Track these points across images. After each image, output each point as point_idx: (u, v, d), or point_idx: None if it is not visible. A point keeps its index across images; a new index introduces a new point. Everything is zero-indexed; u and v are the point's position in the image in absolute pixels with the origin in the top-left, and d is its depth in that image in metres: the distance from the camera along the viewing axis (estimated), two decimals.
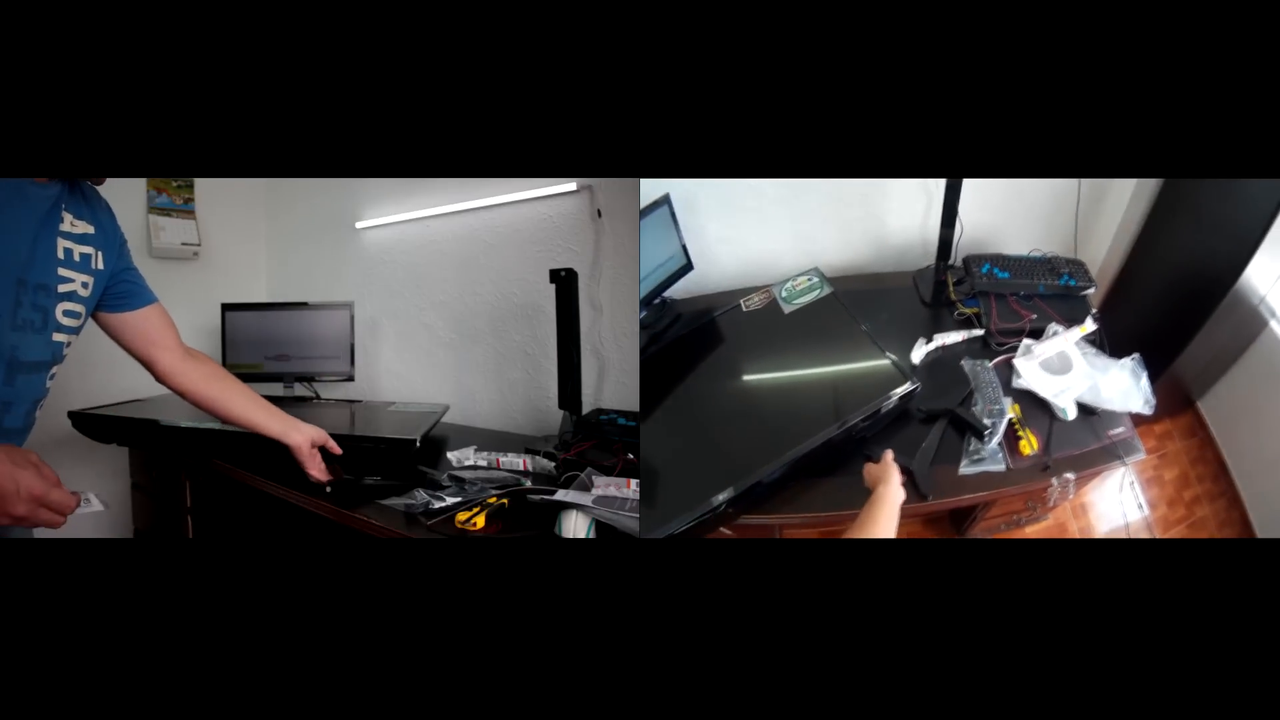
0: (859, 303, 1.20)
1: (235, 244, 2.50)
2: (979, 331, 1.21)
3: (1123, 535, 1.38)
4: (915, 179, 1.35)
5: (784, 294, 1.29)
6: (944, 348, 1.20)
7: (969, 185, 1.21)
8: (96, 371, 2.03)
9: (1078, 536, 1.49)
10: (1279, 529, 1.43)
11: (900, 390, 1.03)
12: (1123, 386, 1.07)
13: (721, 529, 1.19)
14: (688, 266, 1.52)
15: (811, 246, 1.46)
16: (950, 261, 1.32)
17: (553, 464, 1.36)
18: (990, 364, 1.14)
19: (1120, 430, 1.05)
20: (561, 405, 1.62)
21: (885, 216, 1.47)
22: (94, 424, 1.63)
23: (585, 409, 1.63)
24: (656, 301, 1.50)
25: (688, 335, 1.36)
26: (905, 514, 0.97)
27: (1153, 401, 1.06)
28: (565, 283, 1.57)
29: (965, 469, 1.02)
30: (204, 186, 2.35)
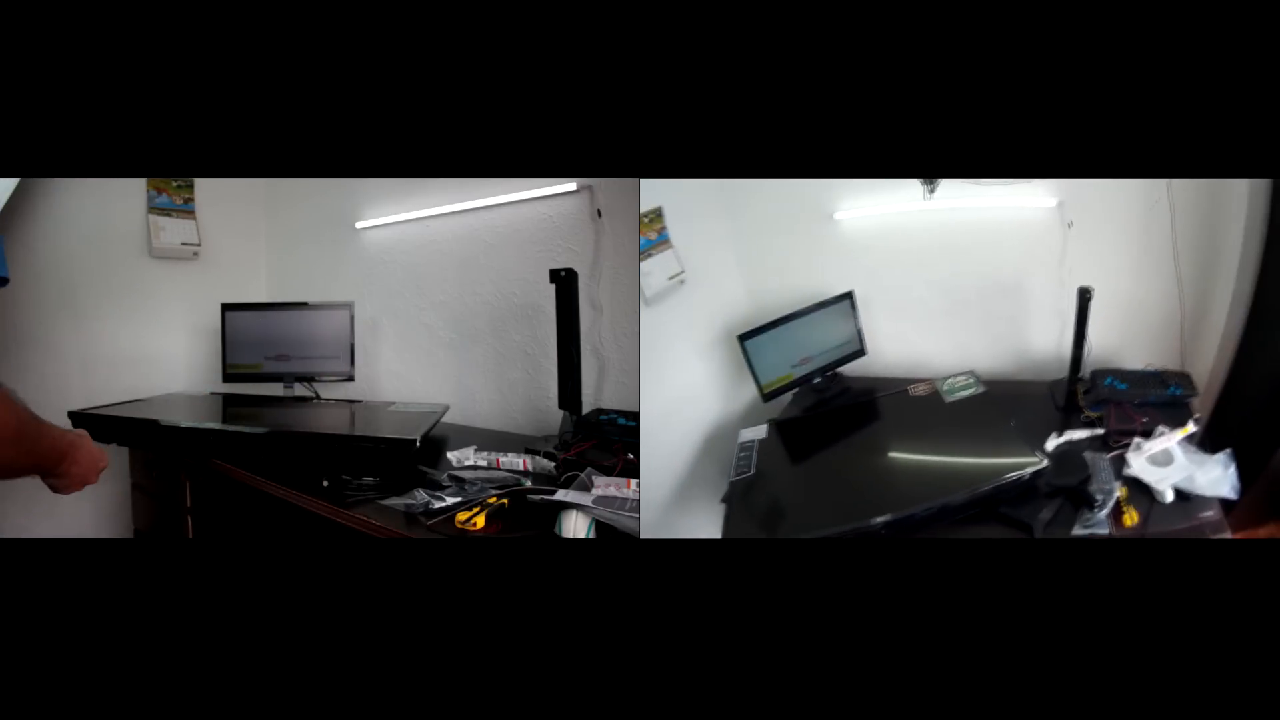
0: (1003, 403, 1.50)
1: (235, 244, 2.50)
2: (1100, 431, 1.46)
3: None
4: (1044, 284, 1.70)
5: (945, 387, 1.59)
6: (1071, 442, 1.44)
7: (1096, 309, 1.50)
8: (96, 371, 2.04)
9: None
10: None
11: (1032, 466, 1.26)
12: (1214, 476, 1.25)
13: None
14: (860, 351, 1.87)
15: (964, 353, 1.80)
16: (1080, 374, 1.59)
17: (553, 464, 1.36)
18: (1107, 456, 1.37)
19: (1209, 514, 1.22)
20: (561, 405, 1.62)
21: (1028, 334, 1.79)
22: (94, 424, 1.63)
23: (585, 409, 1.63)
24: (829, 374, 1.83)
25: (857, 405, 1.69)
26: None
27: (1239, 487, 1.24)
28: (565, 283, 1.57)
29: (1077, 531, 1.22)
30: (204, 186, 2.35)
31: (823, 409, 1.75)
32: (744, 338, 1.71)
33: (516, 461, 1.37)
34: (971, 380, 1.58)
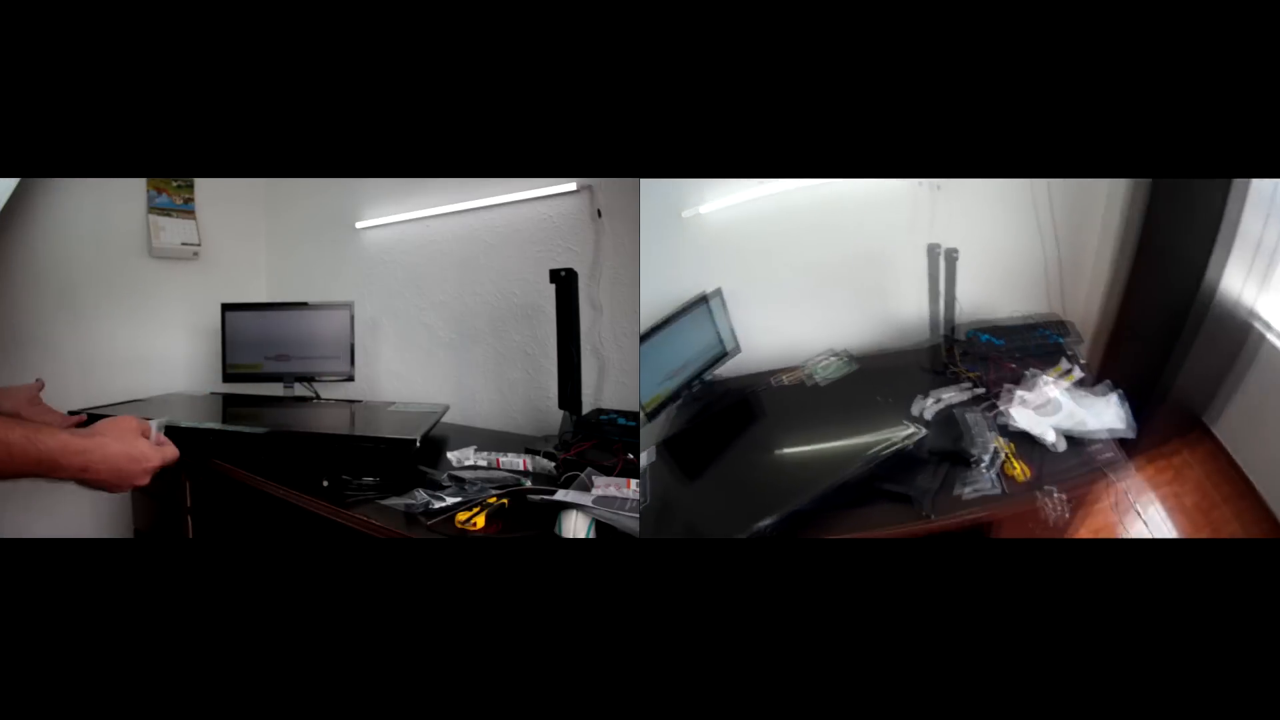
0: (876, 376, 1.51)
1: (235, 244, 2.50)
2: (980, 390, 1.43)
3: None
4: (908, 251, 1.63)
5: (817, 371, 1.61)
6: (945, 404, 1.41)
7: (965, 266, 1.46)
8: (96, 371, 2.04)
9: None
10: None
11: (908, 436, 1.24)
12: (1106, 417, 1.24)
13: None
14: (725, 352, 1.80)
15: (836, 332, 1.78)
16: (954, 335, 1.57)
17: (553, 464, 1.36)
18: (981, 409, 1.36)
19: (1108, 455, 1.21)
20: (561, 405, 1.62)
21: (897, 303, 1.76)
22: None
23: (585, 409, 1.63)
24: (703, 380, 1.76)
25: (734, 406, 1.69)
26: (914, 537, 1.19)
27: (1134, 425, 1.22)
28: (565, 283, 1.57)
29: (965, 493, 1.21)
30: (204, 186, 2.35)
31: (703, 418, 1.71)
32: None
33: (516, 461, 1.37)
34: (838, 360, 1.58)
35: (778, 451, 1.44)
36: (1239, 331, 1.51)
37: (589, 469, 1.26)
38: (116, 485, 0.81)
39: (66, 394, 1.78)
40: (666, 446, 1.62)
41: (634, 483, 1.17)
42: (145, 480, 0.83)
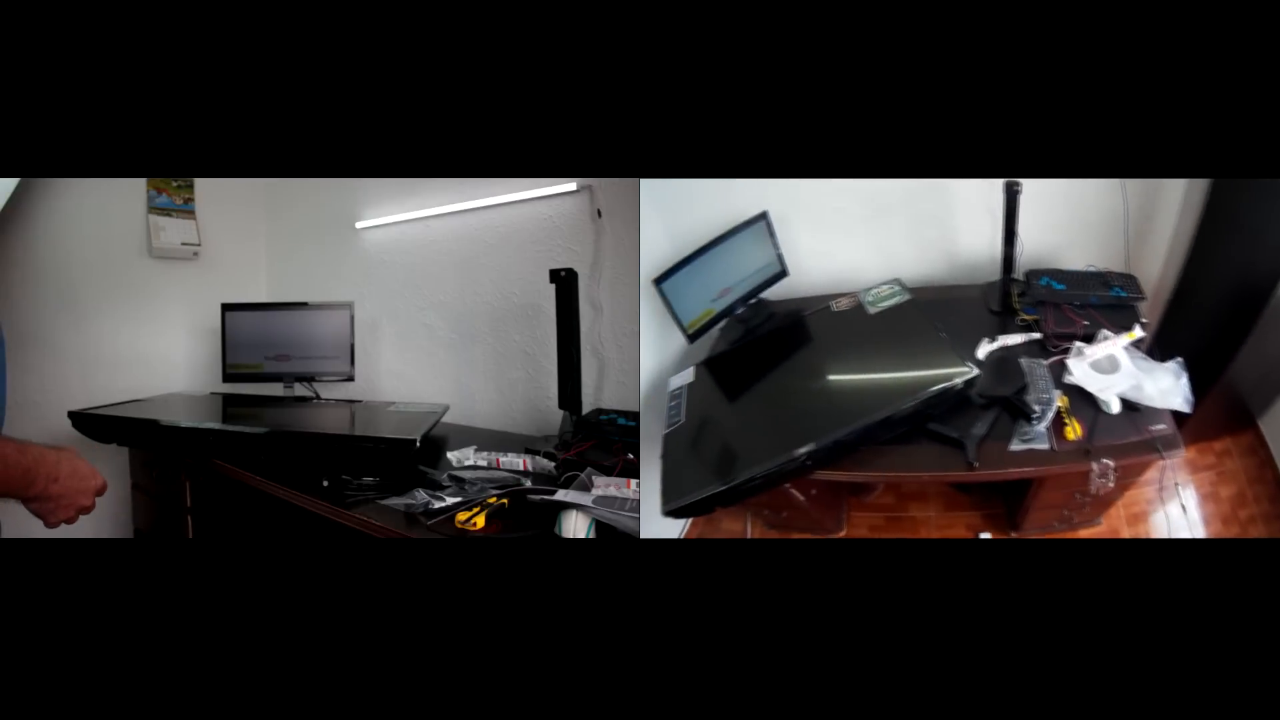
0: (933, 310, 1.39)
1: (235, 244, 2.50)
2: (1037, 335, 1.35)
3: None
4: (973, 183, 1.53)
5: (869, 299, 1.48)
6: (1005, 348, 1.34)
7: (1031, 207, 1.38)
8: (97, 372, 2.04)
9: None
10: None
11: (962, 375, 1.17)
12: (1164, 386, 1.15)
13: (791, 490, 1.44)
14: (782, 273, 1.74)
15: (892, 261, 1.65)
16: (1014, 275, 1.48)
17: (553, 464, 1.36)
18: (1045, 362, 1.27)
19: (1161, 427, 1.13)
20: (561, 405, 1.62)
21: (957, 236, 1.65)
22: (94, 424, 1.63)
23: (585, 409, 1.63)
24: (752, 301, 1.72)
25: (782, 329, 1.59)
26: (958, 488, 1.21)
27: (1191, 400, 1.15)
28: (565, 283, 1.57)
29: (1014, 446, 1.15)
30: (204, 186, 2.35)
31: (749, 339, 1.65)
32: (659, 280, 1.59)
33: (516, 461, 1.37)
34: (896, 289, 1.47)
35: (824, 378, 1.36)
36: None
37: (589, 469, 1.26)
38: (71, 501, 0.80)
39: (67, 394, 1.78)
40: (708, 366, 1.56)
41: (634, 483, 1.17)
42: (91, 502, 0.83)
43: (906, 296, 1.44)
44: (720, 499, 1.23)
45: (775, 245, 1.72)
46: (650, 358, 1.73)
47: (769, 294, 1.75)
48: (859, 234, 1.72)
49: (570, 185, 1.76)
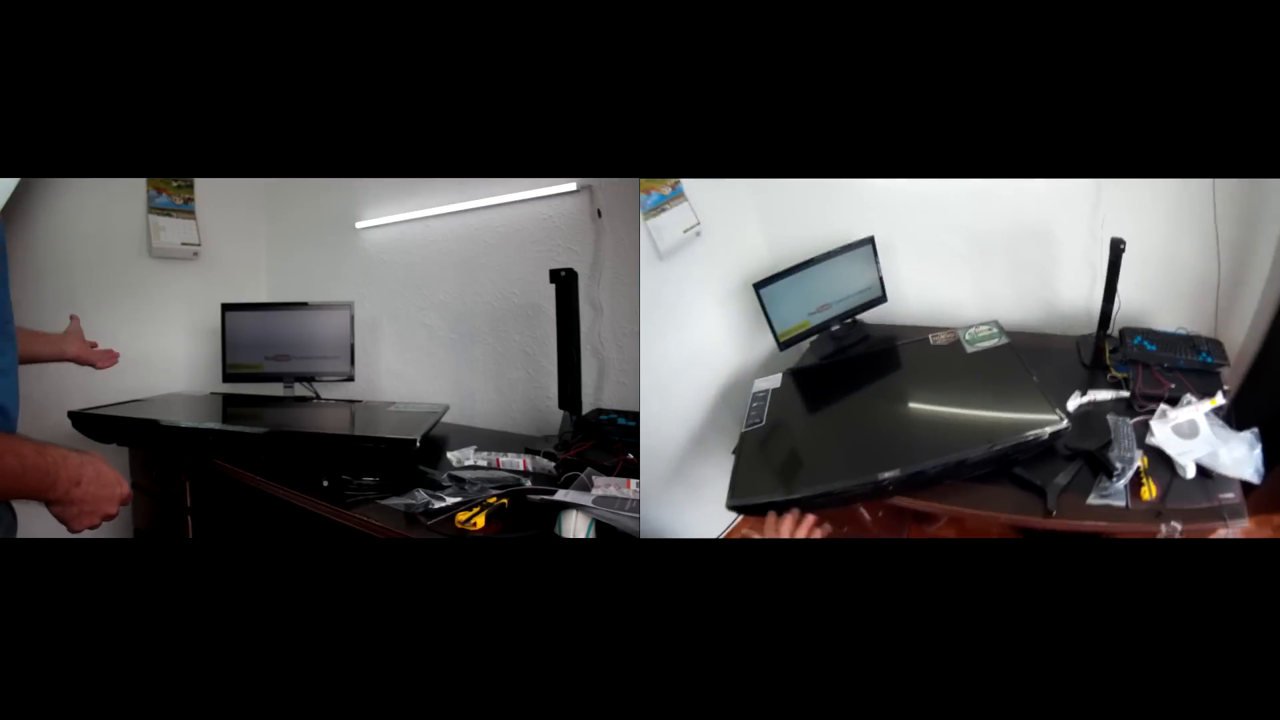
0: (1027, 356, 1.42)
1: (235, 244, 2.50)
2: (1125, 394, 1.39)
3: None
4: (1076, 234, 1.62)
5: (967, 336, 1.52)
6: (1094, 403, 1.38)
7: (1128, 263, 1.43)
8: (97, 372, 2.03)
9: None
10: None
11: (1052, 426, 1.19)
12: (1239, 456, 1.18)
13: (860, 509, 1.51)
14: (881, 298, 1.80)
15: (990, 302, 1.71)
16: (1109, 331, 1.52)
17: (553, 464, 1.36)
18: (1130, 421, 1.30)
19: (1229, 495, 1.16)
20: (561, 405, 1.62)
21: (1057, 285, 1.71)
22: (94, 424, 1.63)
23: (585, 409, 1.63)
24: (849, 321, 1.78)
25: (876, 353, 1.62)
26: (1020, 532, 1.18)
27: (1263, 472, 1.17)
28: (565, 283, 1.57)
29: (1092, 500, 1.17)
30: (204, 186, 2.35)
31: (841, 357, 1.70)
32: (760, 285, 1.65)
33: (516, 461, 1.37)
34: (995, 331, 1.49)
35: (914, 408, 1.39)
36: None
37: (589, 469, 1.26)
38: (94, 507, 0.80)
39: (67, 394, 1.78)
40: (794, 375, 1.60)
41: (634, 483, 1.17)
42: (116, 509, 0.83)
43: (1004, 340, 1.47)
44: (789, 506, 1.24)
45: (878, 270, 1.77)
46: (734, 357, 1.80)
47: (865, 317, 1.80)
48: (960, 271, 1.78)
49: (570, 185, 1.77)
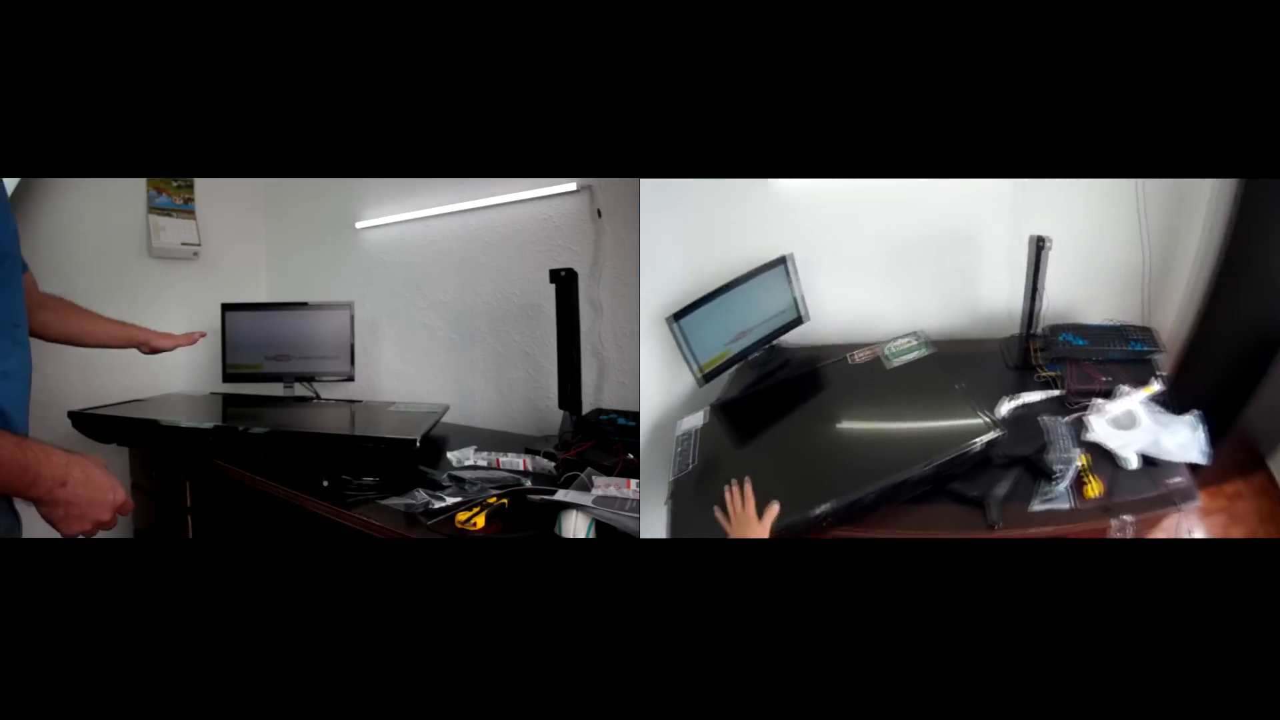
0: (952, 364, 1.39)
1: (235, 244, 2.50)
2: (1057, 393, 1.36)
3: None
4: (997, 235, 1.58)
5: (888, 351, 1.47)
6: (1025, 405, 1.35)
7: (1054, 262, 1.40)
8: (97, 372, 2.03)
9: None
10: None
11: (984, 437, 1.17)
12: (1182, 440, 1.17)
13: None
14: (799, 319, 1.73)
15: (913, 312, 1.65)
16: (1034, 330, 1.49)
17: (553, 464, 1.36)
18: (1065, 420, 1.27)
19: (1178, 480, 1.15)
20: (561, 405, 1.62)
21: (978, 288, 1.68)
22: (94, 424, 1.63)
23: (585, 409, 1.63)
24: (766, 347, 1.69)
25: (798, 378, 1.55)
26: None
27: (1209, 453, 1.17)
28: (565, 283, 1.57)
29: (1035, 506, 1.15)
30: (204, 186, 2.35)
31: (763, 385, 1.60)
32: (677, 317, 1.54)
33: (516, 461, 1.37)
34: (915, 342, 1.45)
35: (842, 434, 1.34)
36: None
37: (589, 469, 1.26)
38: (83, 511, 0.77)
39: (67, 394, 1.78)
40: (722, 409, 1.52)
41: (634, 483, 1.17)
42: (109, 516, 0.80)
43: (926, 351, 1.43)
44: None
45: (796, 290, 1.70)
46: (656, 395, 1.68)
47: (787, 338, 1.73)
48: (882, 282, 1.72)
49: (570, 185, 1.76)
